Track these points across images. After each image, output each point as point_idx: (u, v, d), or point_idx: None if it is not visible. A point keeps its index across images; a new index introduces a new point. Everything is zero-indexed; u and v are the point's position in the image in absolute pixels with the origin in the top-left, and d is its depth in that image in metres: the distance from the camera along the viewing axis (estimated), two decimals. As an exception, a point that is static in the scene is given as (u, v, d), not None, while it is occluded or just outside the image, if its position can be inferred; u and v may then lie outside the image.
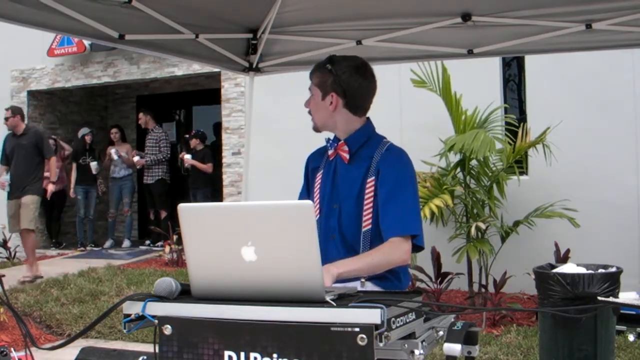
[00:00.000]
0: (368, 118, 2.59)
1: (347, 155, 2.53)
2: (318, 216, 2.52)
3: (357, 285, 2.32)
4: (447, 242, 6.56)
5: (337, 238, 2.48)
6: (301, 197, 2.68)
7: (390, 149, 2.51)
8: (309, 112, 2.59)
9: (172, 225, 9.02)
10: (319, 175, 2.62)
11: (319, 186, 2.60)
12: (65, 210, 11.35)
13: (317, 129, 2.60)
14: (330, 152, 2.59)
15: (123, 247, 10.61)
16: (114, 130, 10.91)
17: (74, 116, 11.88)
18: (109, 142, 11.16)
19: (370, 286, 2.40)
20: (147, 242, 10.66)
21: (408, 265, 2.56)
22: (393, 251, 2.35)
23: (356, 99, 2.52)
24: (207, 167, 9.91)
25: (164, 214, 10.25)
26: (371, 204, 2.44)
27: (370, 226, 2.44)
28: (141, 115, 10.57)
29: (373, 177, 2.46)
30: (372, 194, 2.45)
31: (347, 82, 2.49)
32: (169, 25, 3.56)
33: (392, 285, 2.44)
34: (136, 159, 10.41)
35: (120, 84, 11.15)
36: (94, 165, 10.48)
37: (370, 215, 2.44)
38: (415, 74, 6.62)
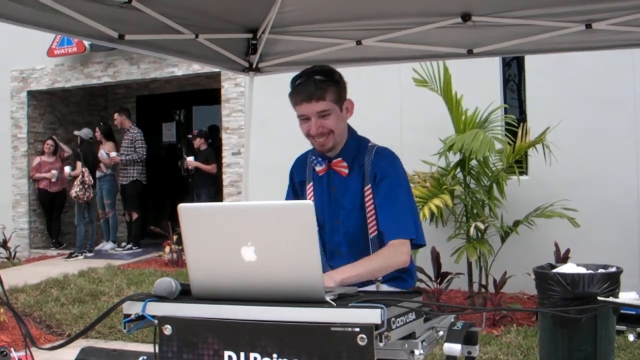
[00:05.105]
0: None
1: (346, 171, 2.50)
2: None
3: (372, 289, 2.34)
4: (446, 242, 6.56)
5: (345, 251, 2.47)
6: None
7: (380, 152, 2.51)
8: (320, 135, 2.42)
9: (172, 225, 9.01)
10: (310, 189, 2.59)
11: (312, 202, 2.54)
12: (65, 211, 11.33)
13: (331, 148, 2.49)
14: (318, 168, 2.56)
15: (103, 249, 10.24)
16: (96, 129, 10.52)
17: (74, 116, 11.88)
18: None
19: (385, 288, 2.42)
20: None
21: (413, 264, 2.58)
22: (393, 254, 2.35)
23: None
24: (212, 168, 9.81)
25: (135, 216, 10.13)
26: (373, 211, 2.45)
27: (376, 232, 2.45)
28: (116, 115, 10.26)
29: (370, 184, 2.46)
30: (371, 201, 2.45)
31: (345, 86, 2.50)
32: (169, 25, 3.55)
33: (406, 284, 2.47)
34: (113, 154, 10.07)
35: (120, 84, 11.14)
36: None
37: (374, 222, 2.45)
38: (417, 73, 6.62)
